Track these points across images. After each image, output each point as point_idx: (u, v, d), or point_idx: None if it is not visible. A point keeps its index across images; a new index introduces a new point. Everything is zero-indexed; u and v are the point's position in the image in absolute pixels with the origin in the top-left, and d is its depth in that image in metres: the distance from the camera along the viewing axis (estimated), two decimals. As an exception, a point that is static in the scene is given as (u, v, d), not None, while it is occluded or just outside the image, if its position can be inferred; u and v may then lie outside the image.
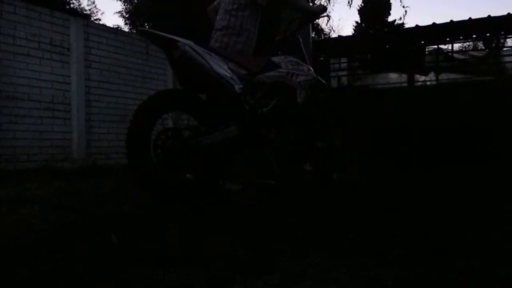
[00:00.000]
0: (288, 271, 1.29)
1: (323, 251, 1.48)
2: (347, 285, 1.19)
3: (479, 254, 1.43)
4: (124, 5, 16.37)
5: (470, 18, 6.54)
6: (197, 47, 2.23)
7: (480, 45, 10.41)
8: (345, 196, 2.76)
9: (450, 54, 7.47)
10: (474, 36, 7.34)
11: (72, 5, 16.85)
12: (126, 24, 16.97)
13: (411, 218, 2.05)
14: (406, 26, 13.11)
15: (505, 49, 8.13)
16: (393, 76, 8.02)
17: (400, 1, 10.04)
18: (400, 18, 25.75)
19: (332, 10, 25.74)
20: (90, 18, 17.43)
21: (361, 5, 22.37)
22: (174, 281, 1.22)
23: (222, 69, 2.33)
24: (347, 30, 40.54)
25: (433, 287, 1.17)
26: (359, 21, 22.93)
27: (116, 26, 14.99)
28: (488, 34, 7.16)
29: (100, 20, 19.58)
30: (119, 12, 16.97)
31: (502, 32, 6.90)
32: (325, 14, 2.90)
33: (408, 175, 4.11)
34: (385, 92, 7.48)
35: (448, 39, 7.10)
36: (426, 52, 7.36)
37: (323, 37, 11.37)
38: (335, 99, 6.41)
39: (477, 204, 2.43)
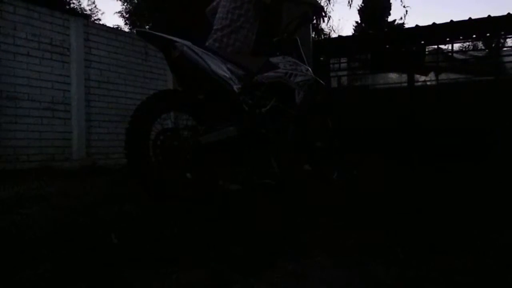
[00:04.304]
0: (288, 271, 1.29)
1: (323, 251, 1.49)
2: (348, 284, 1.19)
3: (479, 254, 1.43)
4: (124, 5, 16.38)
5: (470, 18, 6.53)
6: (195, 48, 2.24)
7: (480, 45, 10.40)
8: (345, 196, 2.76)
9: (450, 54, 7.46)
10: (474, 36, 7.32)
11: (72, 5, 16.85)
12: (126, 24, 16.96)
13: (411, 217, 2.05)
14: (406, 26, 13.13)
15: (505, 49, 8.13)
16: (393, 76, 8.01)
17: (401, 1, 10.07)
18: (401, 18, 25.83)
19: (332, 10, 25.76)
20: (90, 18, 17.43)
21: (361, 5, 22.37)
22: (174, 281, 1.22)
23: (221, 69, 2.33)
24: (347, 30, 40.56)
25: (433, 287, 1.17)
26: (359, 21, 22.92)
27: (116, 26, 14.99)
28: (488, 34, 7.15)
29: (100, 20, 19.58)
30: (119, 12, 16.97)
31: (502, 32, 6.89)
32: (323, 14, 2.90)
33: (408, 174, 4.11)
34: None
35: (448, 39, 7.09)
36: (426, 52, 7.35)
37: (323, 37, 11.37)
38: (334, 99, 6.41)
39: (477, 203, 2.43)
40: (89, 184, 3.40)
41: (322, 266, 1.33)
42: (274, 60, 2.72)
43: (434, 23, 6.78)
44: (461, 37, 7.17)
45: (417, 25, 6.96)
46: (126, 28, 16.16)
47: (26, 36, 4.84)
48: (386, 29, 12.59)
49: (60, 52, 5.22)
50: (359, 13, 22.84)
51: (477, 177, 3.77)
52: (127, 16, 16.50)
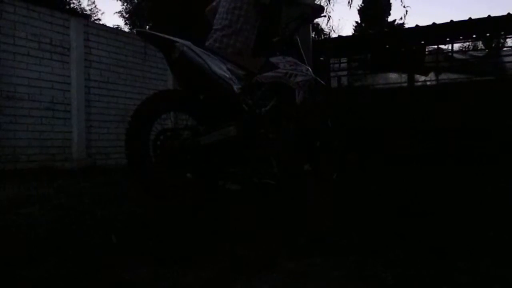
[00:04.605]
0: (288, 271, 1.29)
1: (324, 251, 1.49)
2: (348, 284, 1.19)
3: (479, 254, 1.43)
4: (124, 5, 16.41)
5: (470, 18, 6.53)
6: (195, 48, 2.23)
7: (480, 45, 10.40)
8: (345, 196, 2.76)
9: (450, 54, 7.46)
10: (474, 36, 7.33)
11: (72, 5, 16.87)
12: (126, 24, 17.03)
13: (411, 217, 2.05)
14: (406, 26, 13.13)
15: (505, 49, 8.13)
16: (393, 76, 8.02)
17: (401, 1, 10.07)
18: (401, 18, 25.85)
19: (332, 10, 25.78)
20: (90, 18, 17.44)
21: (361, 5, 22.39)
22: (174, 281, 1.22)
23: (221, 69, 2.33)
24: (347, 30, 40.55)
25: (433, 287, 1.17)
26: (359, 21, 22.94)
27: (116, 26, 15.02)
28: (488, 34, 7.15)
29: (100, 20, 19.60)
30: (119, 12, 17.04)
31: (502, 32, 6.89)
32: (323, 14, 2.90)
33: (407, 175, 4.11)
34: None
35: (448, 39, 7.09)
36: (426, 52, 7.36)
37: (323, 37, 11.38)
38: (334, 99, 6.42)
39: (476, 203, 2.43)
40: (89, 184, 3.40)
41: (322, 266, 1.33)
42: (274, 60, 2.72)
43: (434, 23, 6.78)
44: (461, 37, 7.18)
45: (417, 25, 6.96)
46: (126, 28, 16.21)
47: (26, 36, 4.84)
48: (386, 29, 12.59)
49: (60, 52, 5.22)
50: (359, 13, 22.86)
51: (478, 178, 3.77)
52: (127, 16, 16.55)
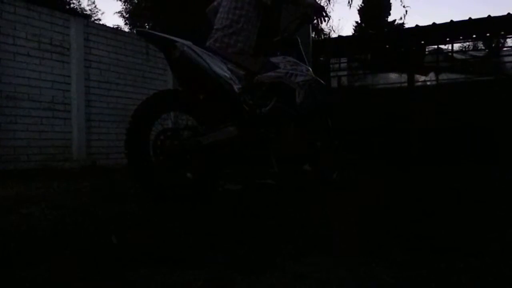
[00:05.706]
0: (288, 271, 1.29)
1: (323, 251, 1.49)
2: (347, 284, 1.19)
3: (479, 254, 1.43)
4: (124, 5, 16.42)
5: (470, 18, 6.54)
6: (196, 48, 2.24)
7: (480, 45, 10.39)
8: (345, 196, 2.76)
9: (450, 54, 7.46)
10: (474, 36, 7.33)
11: (72, 5, 16.86)
12: (126, 24, 17.04)
13: (411, 217, 2.05)
14: (406, 26, 13.12)
15: (505, 49, 8.14)
16: (393, 76, 8.02)
17: (401, 1, 10.06)
18: (401, 18, 25.81)
19: (332, 10, 25.75)
20: (90, 18, 17.44)
21: (361, 5, 22.36)
22: (174, 281, 1.22)
23: (221, 69, 2.33)
24: (347, 30, 40.57)
25: (433, 287, 1.17)
26: (359, 21, 22.92)
27: (116, 26, 15.02)
28: (488, 34, 7.15)
29: (100, 20, 19.60)
30: (119, 12, 17.04)
31: (502, 32, 6.89)
32: (324, 14, 2.89)
33: (407, 175, 4.11)
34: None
35: (448, 39, 7.09)
36: (426, 52, 7.36)
37: (323, 37, 11.36)
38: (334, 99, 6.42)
39: (476, 203, 2.43)
40: (89, 184, 3.40)
41: (322, 266, 1.33)
42: (274, 60, 2.72)
43: (434, 23, 6.78)
44: (461, 37, 7.18)
45: (417, 25, 6.96)
46: (126, 28, 16.21)
47: (26, 36, 4.83)
48: (386, 29, 12.59)
49: (60, 52, 5.21)
50: (359, 13, 22.82)
51: (477, 178, 3.77)
52: (127, 16, 16.56)
